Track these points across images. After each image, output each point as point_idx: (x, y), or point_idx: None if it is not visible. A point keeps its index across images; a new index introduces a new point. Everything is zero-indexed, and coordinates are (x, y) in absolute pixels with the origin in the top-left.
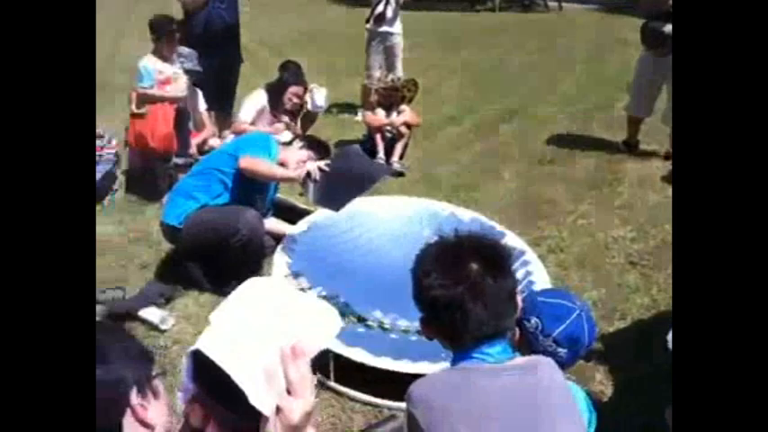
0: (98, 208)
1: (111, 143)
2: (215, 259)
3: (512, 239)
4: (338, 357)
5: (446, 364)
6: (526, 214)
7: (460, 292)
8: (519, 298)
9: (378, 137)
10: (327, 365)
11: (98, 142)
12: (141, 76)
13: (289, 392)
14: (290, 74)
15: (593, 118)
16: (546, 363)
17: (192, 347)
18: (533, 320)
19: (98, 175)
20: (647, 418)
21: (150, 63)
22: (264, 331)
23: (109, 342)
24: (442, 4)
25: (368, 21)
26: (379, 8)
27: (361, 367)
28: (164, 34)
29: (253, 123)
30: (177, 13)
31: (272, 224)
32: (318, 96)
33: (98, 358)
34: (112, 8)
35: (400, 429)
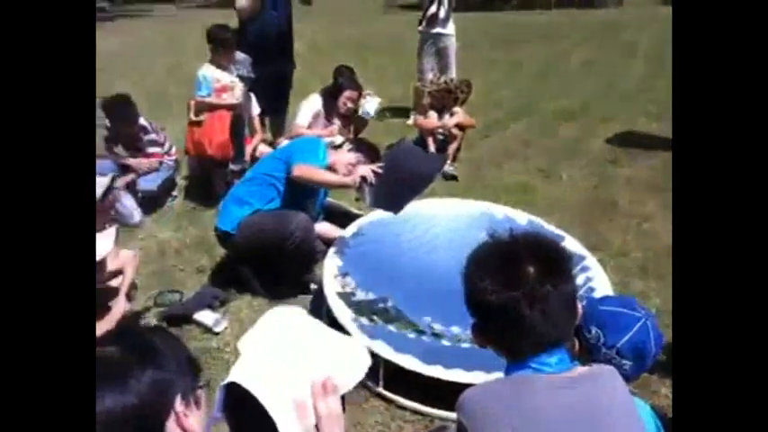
0: (157, 214)
1: (171, 151)
2: (268, 263)
3: (571, 244)
4: (388, 363)
5: (501, 375)
6: (586, 217)
7: (516, 298)
8: (579, 305)
9: (429, 140)
10: (377, 371)
11: (159, 150)
12: (199, 84)
13: (317, 427)
14: (346, 78)
15: (658, 116)
16: (608, 373)
17: (226, 380)
18: (594, 331)
19: (158, 182)
20: None
21: (208, 72)
22: (298, 365)
23: (163, 347)
24: (496, 4)
25: (420, 23)
26: (432, 9)
27: (412, 374)
28: (220, 43)
29: (309, 127)
30: (236, 23)
31: (324, 228)
32: (370, 104)
33: (151, 361)
34: (173, 23)
35: None
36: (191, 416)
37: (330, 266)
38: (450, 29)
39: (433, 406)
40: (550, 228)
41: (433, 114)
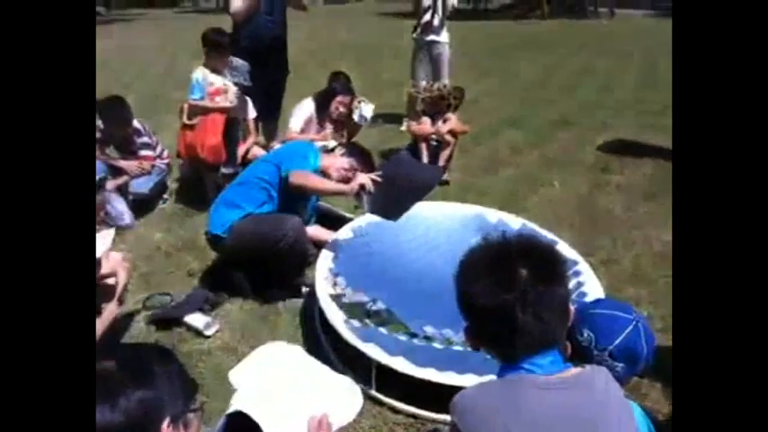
0: (148, 217)
1: (163, 155)
2: (259, 267)
3: (563, 249)
4: (380, 366)
5: (494, 377)
6: (578, 224)
7: (509, 301)
8: (571, 307)
9: (423, 146)
10: (369, 374)
11: (151, 153)
12: (192, 88)
13: None
14: (339, 83)
15: (649, 125)
16: (601, 374)
17: (232, 410)
18: (586, 334)
19: (150, 185)
20: None
21: (201, 75)
22: (298, 400)
23: (159, 368)
24: (491, 13)
25: (414, 30)
26: (426, 17)
27: (404, 377)
28: (215, 47)
29: (302, 132)
30: (231, 27)
31: (315, 231)
32: (365, 109)
33: (144, 381)
34: (170, 27)
35: None
36: None
37: (322, 269)
38: (445, 37)
39: (425, 409)
40: (543, 233)
41: (426, 120)
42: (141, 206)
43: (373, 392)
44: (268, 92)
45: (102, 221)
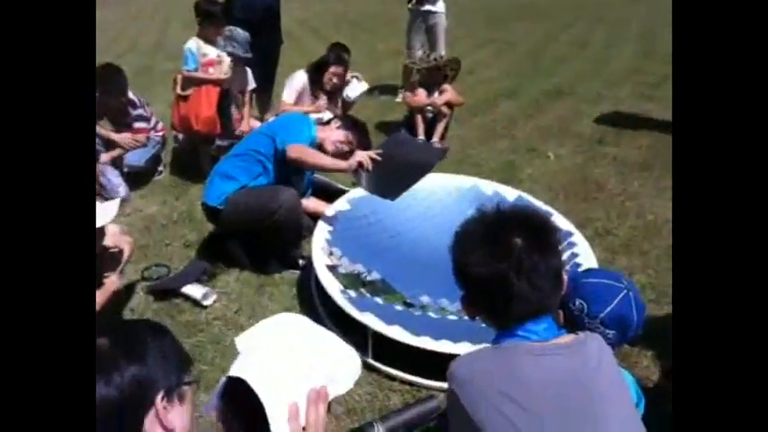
0: (143, 189)
1: (158, 127)
2: (255, 238)
3: (558, 220)
4: (376, 335)
5: (487, 345)
6: (573, 195)
7: (504, 269)
8: (565, 276)
9: (418, 117)
10: (366, 342)
11: (145, 125)
12: (186, 58)
13: (304, 429)
14: (333, 54)
15: (646, 97)
16: (594, 340)
17: (231, 373)
18: (578, 302)
19: (146, 157)
20: None
21: (195, 46)
22: (298, 369)
23: (153, 343)
24: None
25: (409, 0)
26: None
27: (400, 345)
28: (208, 17)
29: (295, 104)
30: None
31: (311, 203)
32: (353, 88)
33: (136, 356)
34: None
35: (437, 410)
36: (171, 411)
37: (318, 240)
38: (440, 6)
39: (420, 376)
40: (539, 204)
41: (422, 92)
42: (136, 179)
43: (369, 360)
44: (261, 63)
45: (98, 194)
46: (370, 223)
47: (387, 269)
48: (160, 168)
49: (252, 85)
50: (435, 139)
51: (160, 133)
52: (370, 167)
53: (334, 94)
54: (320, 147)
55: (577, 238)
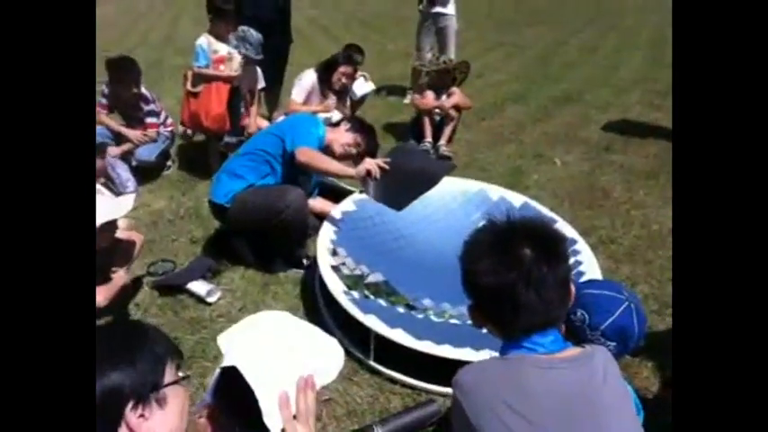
0: (151, 184)
1: (167, 122)
2: (261, 236)
3: (562, 227)
4: (378, 337)
5: (490, 351)
6: (578, 202)
7: (513, 279)
8: (572, 288)
9: (426, 120)
10: (368, 344)
11: (155, 120)
12: (197, 55)
13: (294, 418)
14: (344, 54)
15: (655, 105)
16: (600, 353)
17: (223, 365)
18: (579, 313)
19: (156, 152)
20: None
21: (206, 42)
22: (285, 360)
23: (120, 348)
24: None
25: (420, 1)
26: None
27: (402, 348)
28: (219, 14)
29: (304, 103)
30: None
31: (317, 204)
32: (359, 86)
33: (102, 366)
34: None
35: (437, 414)
36: (152, 418)
37: (323, 240)
38: (451, 9)
39: (421, 380)
40: (544, 210)
41: (430, 94)
42: (145, 173)
43: (371, 363)
44: (270, 61)
45: (109, 188)
46: (375, 224)
47: (390, 271)
48: (168, 164)
49: (261, 84)
50: (443, 141)
51: (169, 128)
52: (378, 176)
53: (343, 93)
54: (328, 148)
55: (581, 245)
